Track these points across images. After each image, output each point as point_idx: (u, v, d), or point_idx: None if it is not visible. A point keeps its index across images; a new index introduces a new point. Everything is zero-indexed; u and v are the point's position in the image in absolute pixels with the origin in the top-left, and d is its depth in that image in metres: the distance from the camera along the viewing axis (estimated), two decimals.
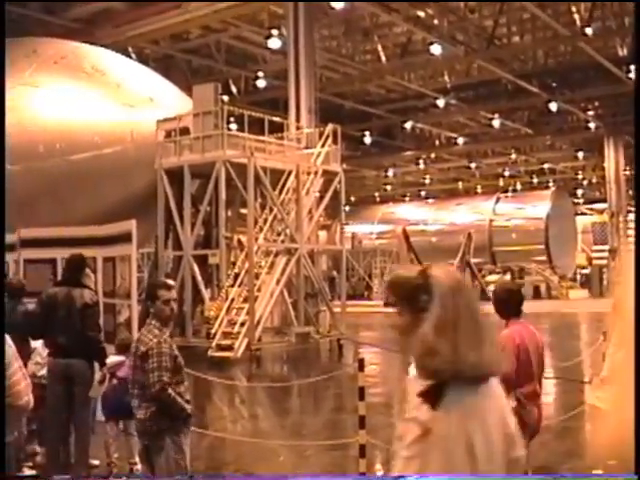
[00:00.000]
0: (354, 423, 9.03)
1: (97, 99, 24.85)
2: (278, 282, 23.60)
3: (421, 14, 33.87)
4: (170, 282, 7.35)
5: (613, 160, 55.60)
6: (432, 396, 3.04)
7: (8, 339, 5.94)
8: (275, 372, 22.95)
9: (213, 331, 22.25)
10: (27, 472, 10.14)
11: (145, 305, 7.37)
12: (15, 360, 5.79)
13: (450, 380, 3.03)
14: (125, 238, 12.58)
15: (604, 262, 55.49)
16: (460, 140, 54.61)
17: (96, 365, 10.18)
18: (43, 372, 10.14)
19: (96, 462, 10.47)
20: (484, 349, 3.10)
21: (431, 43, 34.08)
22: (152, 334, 6.80)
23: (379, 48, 37.83)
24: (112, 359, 10.21)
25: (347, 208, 28.24)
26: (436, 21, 34.70)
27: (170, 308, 6.92)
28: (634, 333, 2.06)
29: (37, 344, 10.52)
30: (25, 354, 10.52)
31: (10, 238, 15.67)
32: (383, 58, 38.09)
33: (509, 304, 7.54)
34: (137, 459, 10.15)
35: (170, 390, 6.63)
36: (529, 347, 7.38)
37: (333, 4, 30.37)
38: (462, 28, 36.37)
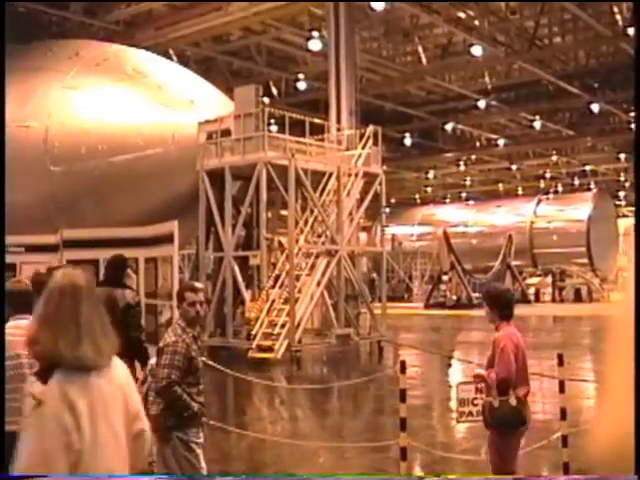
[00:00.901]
0: (394, 425, 9.00)
1: (139, 101, 24.96)
2: (319, 284, 23.57)
3: (462, 15, 33.74)
4: (198, 285, 7.44)
5: None
6: (42, 375, 3.58)
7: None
8: (315, 373, 22.93)
9: (253, 332, 22.28)
10: None
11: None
12: None
13: (54, 365, 3.56)
14: (167, 239, 12.64)
15: None
16: (501, 142, 54.31)
17: (137, 365, 10.27)
18: None
19: None
20: (82, 347, 3.58)
21: (472, 44, 33.95)
22: (174, 332, 6.94)
23: (420, 49, 37.74)
24: (154, 360, 10.27)
25: (387, 210, 28.14)
26: (477, 22, 34.55)
27: (195, 310, 7.02)
28: (634, 334, 2.04)
29: None
30: None
31: (53, 239, 15.85)
32: (424, 59, 38.00)
33: (501, 307, 7.64)
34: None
35: (176, 388, 6.73)
36: (522, 349, 7.47)
37: (374, 5, 30.31)
38: (503, 29, 36.17)
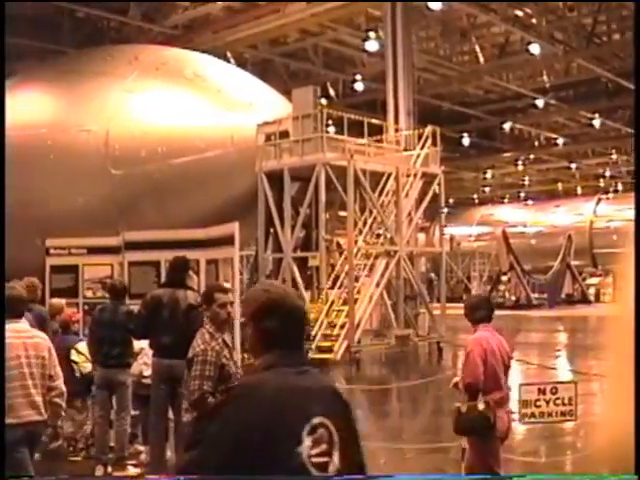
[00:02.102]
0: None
1: (198, 104, 25.12)
2: (378, 284, 23.57)
3: (519, 13, 33.49)
4: (227, 285, 7.29)
5: None
6: None
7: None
8: (374, 374, 22.93)
9: (313, 333, 22.33)
10: (131, 471, 10.33)
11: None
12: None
13: None
14: (227, 241, 12.74)
15: None
16: (560, 140, 53.76)
17: None
18: (149, 372, 10.34)
19: None
20: None
21: (529, 43, 33.64)
22: (202, 339, 6.84)
23: (477, 49, 37.51)
24: None
25: (445, 210, 28.04)
26: (534, 20, 34.27)
27: (226, 312, 6.96)
28: (634, 333, 2.04)
29: (144, 344, 10.73)
30: (128, 353, 10.77)
31: (115, 241, 16.04)
32: (481, 59, 37.77)
33: (478, 310, 7.66)
34: None
35: (210, 400, 6.57)
36: (497, 353, 7.38)
37: (431, 5, 30.20)
38: (561, 27, 35.82)
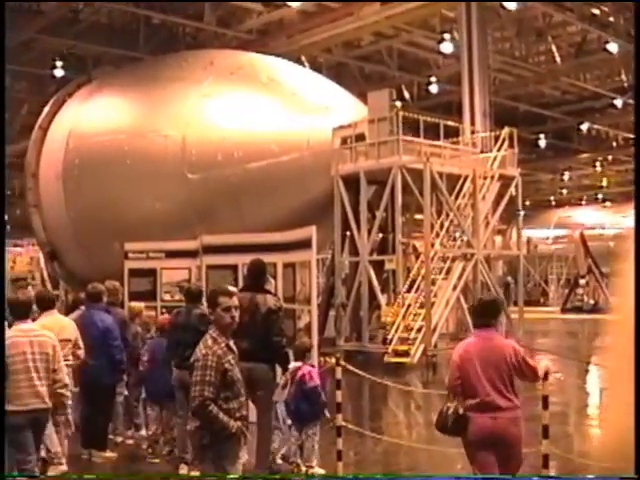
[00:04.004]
0: (531, 432, 8.77)
1: (273, 108, 25.19)
2: (454, 288, 23.39)
3: (596, 12, 33.00)
4: (232, 289, 7.09)
5: None
6: None
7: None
8: None
9: (389, 337, 22.23)
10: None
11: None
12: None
13: None
14: (305, 244, 12.68)
15: None
16: None
17: (278, 369, 10.35)
18: None
19: (279, 462, 10.62)
20: None
21: (607, 41, 33.16)
22: (205, 344, 6.65)
23: (553, 48, 37.09)
24: (293, 364, 10.32)
25: (522, 212, 27.77)
26: (612, 18, 33.74)
27: (230, 316, 6.73)
28: (634, 336, 1.95)
29: None
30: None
31: (193, 245, 16.13)
32: (558, 58, 37.36)
33: (478, 315, 7.77)
34: (314, 462, 10.26)
35: (212, 407, 6.43)
36: (476, 359, 7.34)
37: (506, 5, 29.89)
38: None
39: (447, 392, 7.58)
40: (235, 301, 6.85)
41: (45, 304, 10.75)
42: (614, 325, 2.12)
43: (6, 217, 69.01)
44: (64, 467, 10.15)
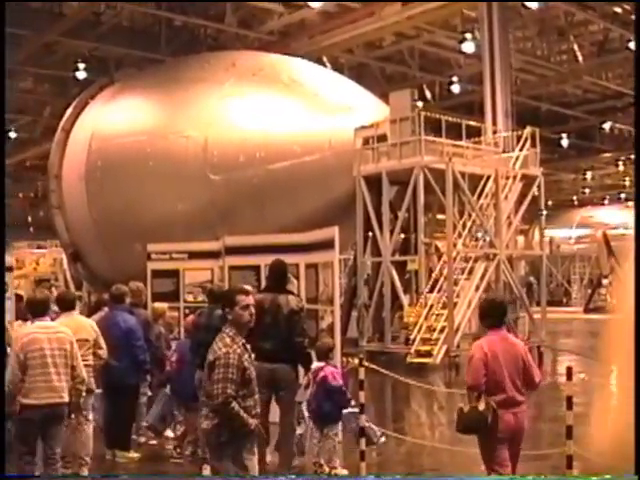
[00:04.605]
0: (553, 433, 8.73)
1: (295, 109, 25.23)
2: (477, 288, 23.32)
3: (618, 10, 32.83)
4: (248, 288, 7.16)
5: None
6: None
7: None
8: None
9: (412, 337, 22.21)
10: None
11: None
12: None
13: None
14: (327, 245, 12.66)
15: None
16: None
17: (300, 370, 10.35)
18: None
19: (296, 462, 10.62)
20: None
21: (629, 40, 33.02)
22: (223, 343, 6.70)
23: (575, 47, 36.91)
24: (316, 364, 10.32)
25: (545, 212, 27.66)
26: (634, 17, 33.55)
27: (249, 313, 6.78)
28: (634, 335, 1.95)
29: None
30: None
31: (215, 245, 16.14)
32: (580, 57, 37.17)
33: (488, 315, 7.93)
34: (337, 462, 10.26)
35: (234, 404, 6.49)
36: (500, 357, 7.57)
37: (527, 4, 29.77)
38: None
39: (470, 391, 7.63)
40: (251, 299, 6.91)
41: (66, 305, 10.85)
42: (615, 325, 2.13)
43: (29, 218, 69.54)
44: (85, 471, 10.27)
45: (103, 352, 10.62)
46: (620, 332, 2.01)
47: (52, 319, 9.73)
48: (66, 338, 8.78)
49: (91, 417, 10.74)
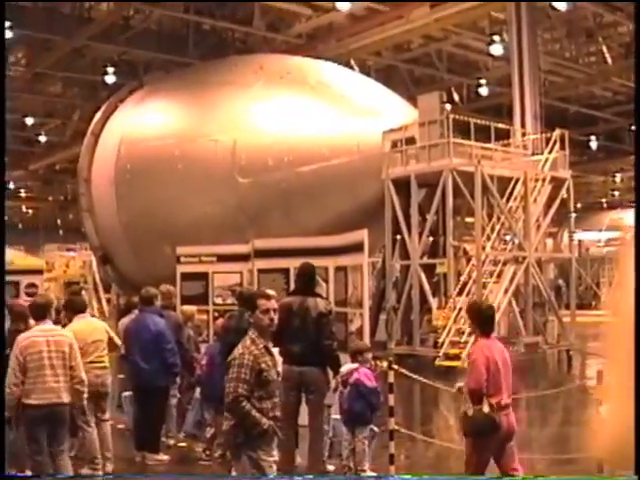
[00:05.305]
0: (584, 437, 8.71)
1: (323, 112, 25.26)
2: (506, 291, 23.24)
3: None
4: (269, 292, 7.21)
5: None
6: None
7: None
8: None
9: (440, 340, 22.16)
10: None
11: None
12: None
13: None
14: (356, 248, 12.68)
15: None
16: None
17: (330, 373, 10.35)
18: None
19: (331, 467, 10.62)
20: None
21: None
22: (242, 344, 6.82)
23: (604, 49, 36.72)
24: (348, 366, 10.32)
25: (574, 215, 27.54)
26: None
27: (269, 318, 6.86)
28: (634, 334, 1.94)
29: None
30: None
31: (244, 248, 16.20)
32: (608, 59, 36.97)
33: (484, 321, 8.20)
34: (366, 465, 10.24)
35: (245, 403, 6.55)
36: (498, 361, 7.88)
37: (556, 5, 29.64)
38: None
39: (472, 394, 7.86)
40: (273, 304, 7.01)
41: (77, 308, 11.17)
42: (614, 324, 2.13)
43: (59, 221, 69.98)
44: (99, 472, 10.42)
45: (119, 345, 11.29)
46: (620, 333, 2.02)
47: (64, 324, 10.43)
48: (64, 340, 9.07)
49: (107, 417, 10.90)
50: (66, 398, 8.95)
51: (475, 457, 8.04)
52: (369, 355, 10.46)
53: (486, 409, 7.72)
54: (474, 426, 7.86)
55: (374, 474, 10.14)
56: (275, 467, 6.86)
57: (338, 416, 10.53)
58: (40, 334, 8.99)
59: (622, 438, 1.97)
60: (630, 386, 1.94)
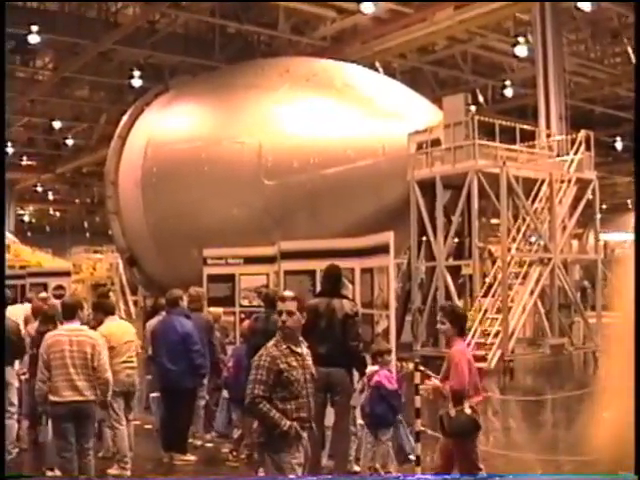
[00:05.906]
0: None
1: (349, 114, 25.31)
2: (531, 292, 23.19)
3: None
4: (287, 294, 7.17)
5: None
6: None
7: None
8: (528, 384, 22.53)
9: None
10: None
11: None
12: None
13: None
14: (382, 249, 12.69)
15: None
16: None
17: (355, 374, 10.40)
18: None
19: (357, 468, 10.64)
20: None
21: None
22: (265, 346, 6.82)
23: (629, 49, 36.54)
24: (371, 368, 10.35)
25: (599, 216, 27.39)
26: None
27: (282, 320, 6.82)
28: (634, 334, 2.00)
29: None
30: None
31: (270, 250, 16.25)
32: (633, 59, 36.79)
33: (460, 324, 8.34)
34: (392, 467, 10.28)
35: (262, 404, 6.53)
36: (472, 361, 8.16)
37: (580, 6, 29.54)
38: None
39: (455, 395, 7.97)
40: (288, 305, 6.93)
41: (108, 310, 11.48)
42: (614, 326, 2.19)
43: (86, 224, 70.33)
44: (127, 472, 10.55)
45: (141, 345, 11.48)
46: (620, 334, 2.08)
47: (93, 326, 10.61)
48: (87, 341, 9.18)
49: (131, 417, 11.08)
50: (91, 396, 9.12)
51: (463, 457, 8.16)
52: (390, 357, 10.48)
53: (468, 410, 7.89)
54: (458, 427, 7.97)
55: (399, 475, 10.17)
56: (299, 469, 6.75)
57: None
58: (65, 333, 9.20)
59: (622, 438, 2.01)
60: (630, 386, 1.98)
